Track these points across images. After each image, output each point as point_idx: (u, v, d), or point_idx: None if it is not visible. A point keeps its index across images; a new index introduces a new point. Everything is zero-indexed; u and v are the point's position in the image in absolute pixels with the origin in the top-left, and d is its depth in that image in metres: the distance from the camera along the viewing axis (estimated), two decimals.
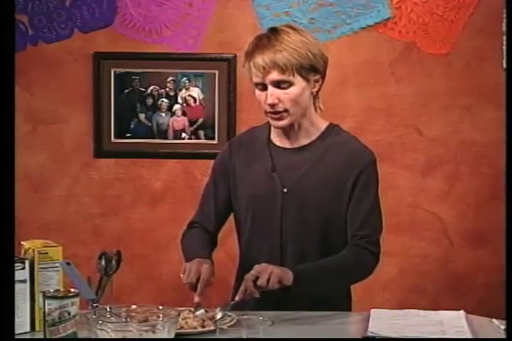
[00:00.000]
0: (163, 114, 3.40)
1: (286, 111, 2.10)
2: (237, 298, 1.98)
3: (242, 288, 1.98)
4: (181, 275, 2.05)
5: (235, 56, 3.29)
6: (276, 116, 2.11)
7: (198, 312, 1.96)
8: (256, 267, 2.00)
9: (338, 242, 2.16)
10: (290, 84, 2.08)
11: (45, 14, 3.34)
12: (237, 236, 2.30)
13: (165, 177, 3.43)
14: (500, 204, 3.07)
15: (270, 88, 2.08)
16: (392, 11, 3.31)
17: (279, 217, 2.16)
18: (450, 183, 3.39)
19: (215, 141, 3.37)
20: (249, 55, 2.11)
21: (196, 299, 2.01)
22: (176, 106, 3.40)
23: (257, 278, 1.96)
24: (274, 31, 2.11)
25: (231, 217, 2.33)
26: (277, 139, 2.22)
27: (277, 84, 2.08)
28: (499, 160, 3.15)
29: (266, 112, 2.12)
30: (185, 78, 3.38)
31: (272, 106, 2.09)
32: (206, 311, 1.97)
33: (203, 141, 3.40)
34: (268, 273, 1.96)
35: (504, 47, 3.25)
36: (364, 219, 2.14)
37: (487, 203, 3.36)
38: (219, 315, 1.92)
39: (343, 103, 3.35)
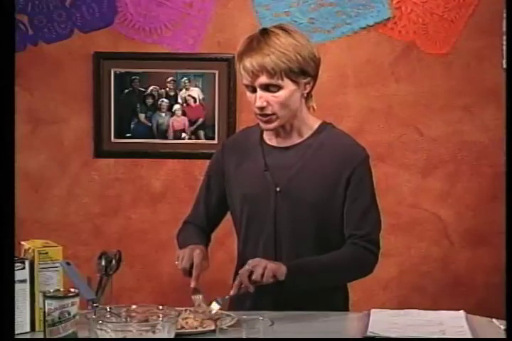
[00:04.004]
0: (163, 114, 3.40)
1: (274, 114, 2.10)
2: (231, 293, 1.99)
3: (236, 282, 1.99)
4: (176, 263, 2.09)
5: (235, 56, 3.28)
6: (265, 118, 2.11)
7: (195, 297, 1.98)
8: (250, 262, 2.01)
9: (333, 241, 2.16)
10: (279, 87, 2.07)
11: (45, 14, 3.34)
12: (236, 236, 2.30)
13: (165, 177, 3.42)
14: (500, 204, 3.07)
15: (259, 91, 2.08)
16: (392, 11, 3.31)
17: (273, 216, 2.16)
18: (450, 183, 3.39)
19: (215, 141, 3.37)
20: (239, 57, 2.11)
21: (192, 284, 2.03)
22: (176, 106, 3.39)
23: (251, 272, 1.97)
24: (264, 33, 2.10)
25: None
26: (270, 138, 2.22)
27: (266, 88, 2.07)
28: (499, 160, 3.15)
29: (255, 114, 2.13)
30: (185, 78, 3.38)
31: (261, 109, 2.09)
32: (206, 305, 1.97)
33: (203, 140, 3.39)
34: (262, 268, 1.97)
35: (504, 47, 3.24)
36: (361, 218, 2.13)
37: (487, 203, 3.35)
38: (215, 308, 1.94)
39: (342, 103, 3.34)
